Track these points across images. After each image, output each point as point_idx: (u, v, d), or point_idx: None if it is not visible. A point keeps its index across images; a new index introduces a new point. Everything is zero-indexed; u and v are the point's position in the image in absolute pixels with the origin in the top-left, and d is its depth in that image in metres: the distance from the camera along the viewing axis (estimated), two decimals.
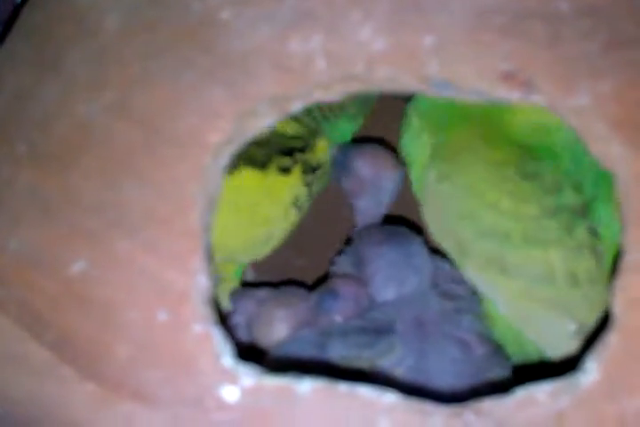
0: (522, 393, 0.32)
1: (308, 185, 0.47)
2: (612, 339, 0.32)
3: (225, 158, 0.34)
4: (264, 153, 0.46)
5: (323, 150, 0.49)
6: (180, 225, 0.33)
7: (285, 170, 0.46)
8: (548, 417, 0.32)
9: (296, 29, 0.34)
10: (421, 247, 0.46)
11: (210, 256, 0.33)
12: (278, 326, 0.44)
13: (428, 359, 0.40)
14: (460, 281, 0.44)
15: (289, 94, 0.34)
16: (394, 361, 0.40)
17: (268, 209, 0.46)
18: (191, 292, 0.33)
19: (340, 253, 0.49)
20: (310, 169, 0.47)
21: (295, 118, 0.48)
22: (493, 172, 0.42)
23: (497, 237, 0.41)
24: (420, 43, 0.33)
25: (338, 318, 0.44)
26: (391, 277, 0.44)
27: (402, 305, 0.43)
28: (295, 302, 0.45)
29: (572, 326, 0.40)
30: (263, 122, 0.34)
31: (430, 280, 0.45)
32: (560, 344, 0.40)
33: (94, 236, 0.34)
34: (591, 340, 0.33)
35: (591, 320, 0.39)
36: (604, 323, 0.33)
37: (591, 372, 0.32)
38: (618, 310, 0.33)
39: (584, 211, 0.42)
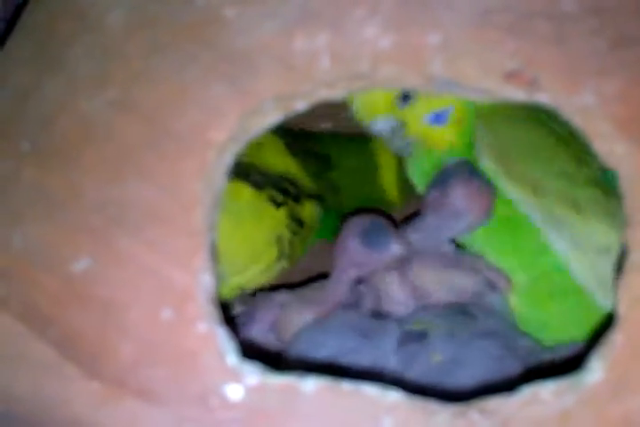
0: (527, 392, 0.32)
1: (292, 233, 0.47)
2: (616, 338, 0.32)
3: (229, 156, 0.34)
4: (261, 179, 0.46)
5: (309, 211, 0.49)
6: (183, 223, 0.33)
7: (275, 203, 0.46)
8: (553, 416, 0.32)
9: (301, 27, 0.34)
10: None
11: (214, 254, 0.33)
12: None
13: (465, 351, 0.41)
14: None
15: (293, 92, 0.34)
16: (436, 346, 0.41)
17: (251, 227, 0.46)
18: (195, 290, 0.32)
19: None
20: (296, 219, 0.48)
21: (308, 170, 0.48)
22: (548, 132, 0.45)
23: (565, 178, 0.44)
24: (426, 41, 0.33)
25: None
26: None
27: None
28: (319, 300, 0.45)
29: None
30: (267, 120, 0.34)
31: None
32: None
33: (97, 233, 0.34)
34: (596, 339, 0.33)
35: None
36: (608, 322, 0.33)
37: (596, 371, 0.32)
38: (622, 308, 0.33)
39: None
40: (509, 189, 0.45)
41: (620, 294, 0.33)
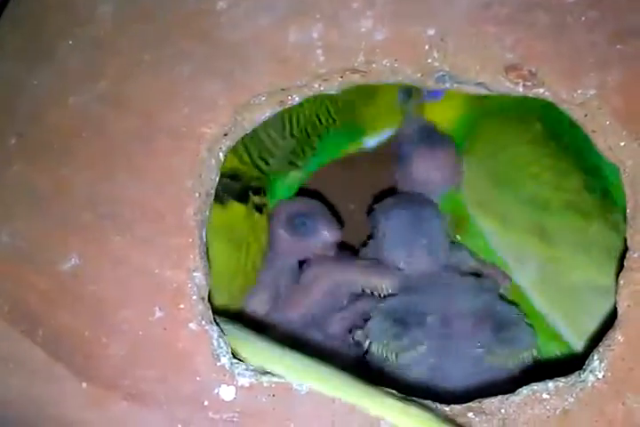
0: (526, 392, 0.32)
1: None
2: (616, 338, 0.32)
3: (221, 152, 0.33)
4: (240, 187, 0.44)
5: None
6: (175, 220, 0.33)
7: (259, 208, 0.44)
8: (553, 416, 0.32)
9: (295, 19, 0.33)
10: (435, 213, 0.45)
11: (206, 253, 0.32)
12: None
13: (448, 359, 0.40)
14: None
15: (287, 86, 0.33)
16: (416, 358, 0.40)
17: (253, 246, 0.43)
18: (187, 289, 0.32)
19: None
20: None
21: (253, 163, 0.46)
22: (533, 149, 0.44)
23: (537, 205, 0.42)
24: (422, 34, 0.33)
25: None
26: (400, 240, 0.44)
27: (433, 294, 0.42)
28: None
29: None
30: (260, 114, 0.34)
31: (446, 252, 0.45)
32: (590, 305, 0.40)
33: (87, 230, 0.33)
34: (596, 339, 0.33)
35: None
36: (608, 322, 0.33)
37: (596, 370, 0.32)
38: (622, 308, 0.32)
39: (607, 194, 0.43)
40: (478, 219, 0.44)
41: (620, 293, 0.32)
